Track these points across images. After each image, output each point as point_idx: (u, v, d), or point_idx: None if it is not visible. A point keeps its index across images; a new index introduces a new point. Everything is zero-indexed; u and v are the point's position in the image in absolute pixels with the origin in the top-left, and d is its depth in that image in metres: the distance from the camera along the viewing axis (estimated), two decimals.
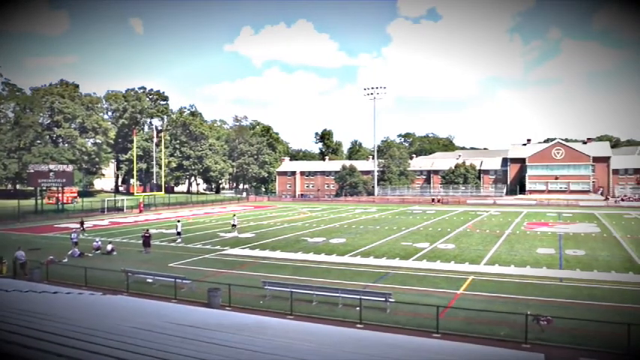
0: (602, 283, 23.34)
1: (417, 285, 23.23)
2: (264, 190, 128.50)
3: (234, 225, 43.16)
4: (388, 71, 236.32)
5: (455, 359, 9.33)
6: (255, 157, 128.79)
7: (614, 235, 40.81)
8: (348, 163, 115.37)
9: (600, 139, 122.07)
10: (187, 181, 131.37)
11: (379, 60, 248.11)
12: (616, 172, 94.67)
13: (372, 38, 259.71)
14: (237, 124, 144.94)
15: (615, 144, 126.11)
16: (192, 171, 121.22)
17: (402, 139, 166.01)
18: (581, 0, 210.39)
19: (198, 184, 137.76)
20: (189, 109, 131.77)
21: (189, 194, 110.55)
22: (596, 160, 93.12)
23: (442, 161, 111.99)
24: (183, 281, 21.92)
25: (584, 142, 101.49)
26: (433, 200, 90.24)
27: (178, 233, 38.49)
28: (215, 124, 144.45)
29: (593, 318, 17.43)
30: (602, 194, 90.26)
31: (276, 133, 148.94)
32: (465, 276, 24.96)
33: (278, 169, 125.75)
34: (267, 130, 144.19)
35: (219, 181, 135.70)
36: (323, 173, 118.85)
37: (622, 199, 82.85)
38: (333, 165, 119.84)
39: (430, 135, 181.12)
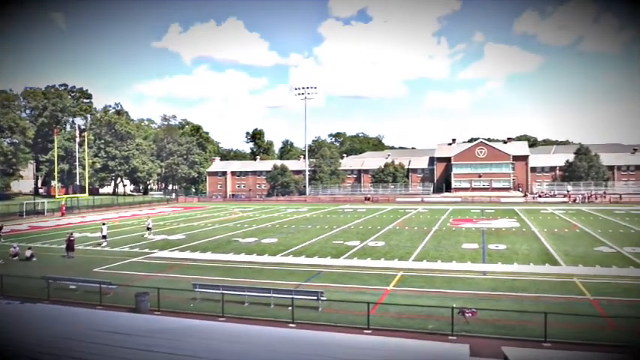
0: (521, 275, 24.64)
1: (348, 282, 23.58)
2: (194, 190, 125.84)
3: (149, 228, 42.07)
4: (320, 71, 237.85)
5: (384, 354, 9.54)
6: (185, 157, 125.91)
7: (532, 229, 43.12)
8: (279, 162, 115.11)
9: (519, 138, 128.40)
10: (113, 182, 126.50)
11: (311, 60, 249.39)
12: (534, 169, 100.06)
13: (304, 38, 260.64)
14: (166, 123, 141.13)
15: (533, 143, 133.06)
16: (118, 172, 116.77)
17: (333, 139, 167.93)
18: (502, 6, 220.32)
19: (124, 186, 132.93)
20: (114, 108, 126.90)
21: (116, 196, 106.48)
22: (516, 158, 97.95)
23: (372, 160, 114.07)
24: (109, 286, 21.09)
25: (505, 142, 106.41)
26: (367, 199, 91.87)
27: (104, 236, 37.04)
28: (142, 124, 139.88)
29: (514, 308, 18.41)
30: (521, 191, 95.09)
31: (206, 133, 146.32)
32: (394, 272, 25.58)
33: (208, 170, 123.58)
34: (196, 129, 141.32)
35: (147, 182, 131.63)
36: (254, 173, 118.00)
37: (539, 196, 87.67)
38: (265, 165, 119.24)
39: (360, 135, 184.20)
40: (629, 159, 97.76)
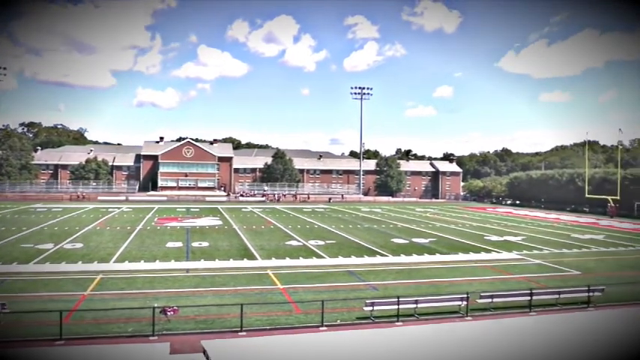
0: (222, 271, 26.01)
1: (39, 290, 21.30)
2: None
3: None
4: (14, 50, 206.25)
5: None
6: None
7: (233, 226, 45.79)
8: None
9: (225, 140, 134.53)
10: None
11: (4, 36, 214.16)
12: (237, 170, 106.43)
13: None
14: None
15: (237, 146, 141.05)
16: None
17: (25, 129, 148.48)
18: (217, 12, 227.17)
19: None
20: None
21: None
22: (221, 159, 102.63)
23: (72, 155, 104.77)
24: None
25: (212, 143, 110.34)
26: (79, 197, 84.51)
27: None
28: None
29: (214, 303, 19.36)
30: (224, 190, 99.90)
31: None
32: (93, 275, 24.12)
33: None
34: None
35: None
36: None
37: (241, 195, 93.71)
38: None
39: (59, 127, 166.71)
40: (315, 164, 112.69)
